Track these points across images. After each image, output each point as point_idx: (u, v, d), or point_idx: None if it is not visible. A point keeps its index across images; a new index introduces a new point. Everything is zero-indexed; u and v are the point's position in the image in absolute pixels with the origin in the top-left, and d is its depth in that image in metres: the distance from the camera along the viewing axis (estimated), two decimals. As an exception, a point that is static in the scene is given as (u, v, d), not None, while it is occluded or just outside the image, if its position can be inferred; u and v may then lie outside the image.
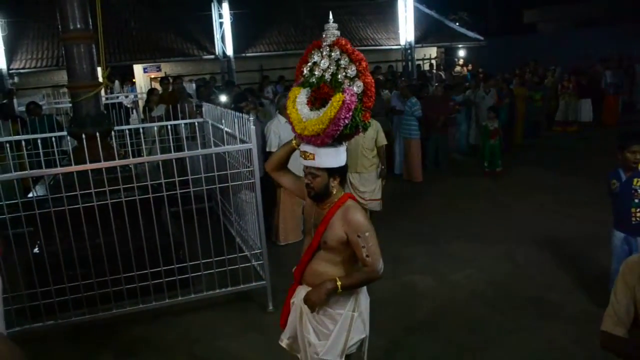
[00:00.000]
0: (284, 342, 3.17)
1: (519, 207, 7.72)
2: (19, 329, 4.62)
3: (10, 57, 15.55)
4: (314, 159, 2.80)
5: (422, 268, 5.86)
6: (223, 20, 16.91)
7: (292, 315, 3.10)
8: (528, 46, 22.51)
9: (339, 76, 2.72)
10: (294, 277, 3.08)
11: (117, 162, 4.84)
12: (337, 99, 2.65)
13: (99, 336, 4.75)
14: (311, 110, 2.80)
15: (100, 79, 5.65)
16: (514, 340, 4.41)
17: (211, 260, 5.04)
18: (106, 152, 4.94)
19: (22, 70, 15.80)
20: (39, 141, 5.32)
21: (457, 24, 22.59)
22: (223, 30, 16.97)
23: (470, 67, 20.51)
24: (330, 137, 2.70)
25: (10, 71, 15.49)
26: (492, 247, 6.29)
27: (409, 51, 18.93)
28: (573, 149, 11.64)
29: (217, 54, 17.17)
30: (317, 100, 2.81)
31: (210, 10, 16.97)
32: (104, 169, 4.74)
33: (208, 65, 17.48)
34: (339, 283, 2.79)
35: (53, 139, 5.73)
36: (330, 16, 2.86)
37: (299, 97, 2.86)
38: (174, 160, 4.92)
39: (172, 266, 4.96)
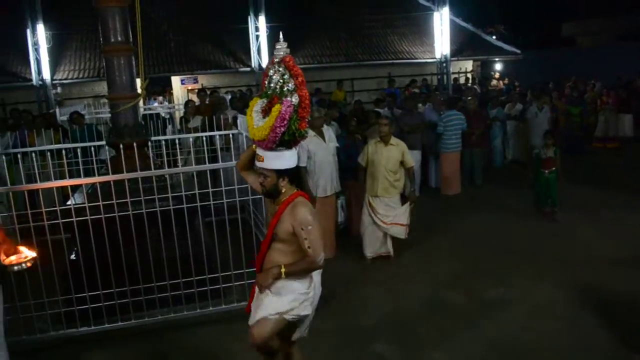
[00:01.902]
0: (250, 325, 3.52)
1: (554, 226, 7.53)
2: (54, 334, 4.73)
3: (54, 68, 16.03)
4: (263, 161, 3.20)
5: (455, 284, 5.77)
6: (259, 34, 17.13)
7: (255, 301, 3.46)
8: (566, 60, 22.14)
9: (285, 89, 3.10)
10: (256, 266, 3.44)
11: (153, 172, 4.93)
12: (275, 109, 3.05)
13: (130, 344, 4.81)
14: (263, 118, 3.16)
15: (139, 90, 5.78)
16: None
17: (243, 271, 5.06)
18: (143, 162, 5.03)
19: (65, 81, 16.26)
20: (79, 150, 5.45)
21: (494, 37, 22.32)
22: (259, 43, 17.18)
23: (506, 80, 20.26)
24: (272, 142, 3.10)
25: (54, 82, 15.96)
26: (527, 266, 6.15)
27: (444, 64, 18.80)
28: (612, 165, 11.33)
29: (253, 66, 17.37)
30: (269, 110, 3.15)
31: (247, 24, 17.21)
32: (140, 179, 4.82)
33: (244, 78, 17.70)
34: (283, 269, 3.21)
35: (92, 148, 5.86)
36: (281, 36, 3.26)
37: (255, 107, 3.24)
38: (208, 171, 4.98)
39: (204, 276, 5.01)
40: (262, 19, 16.99)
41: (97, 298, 4.80)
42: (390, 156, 6.23)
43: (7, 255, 3.72)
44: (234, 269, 5.02)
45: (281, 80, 3.12)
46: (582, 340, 4.58)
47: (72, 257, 5.23)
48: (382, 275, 6.06)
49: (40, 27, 15.36)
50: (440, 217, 8.22)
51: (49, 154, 6.56)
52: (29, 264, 3.72)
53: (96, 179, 4.93)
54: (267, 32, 17.01)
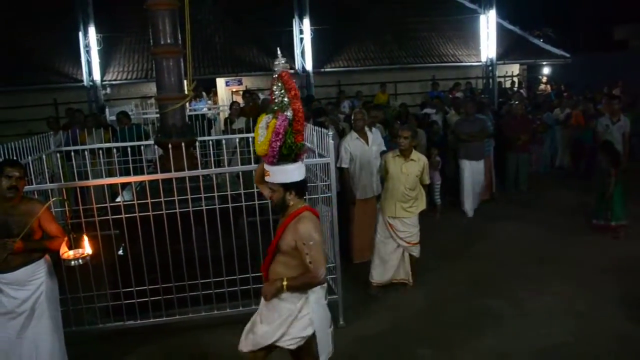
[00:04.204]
0: None
1: (599, 235, 7.26)
2: (102, 327, 4.87)
3: (104, 69, 16.49)
4: (270, 175, 3.26)
5: (498, 292, 5.67)
6: (303, 36, 17.21)
7: (250, 325, 3.53)
8: (618, 64, 21.44)
9: (284, 103, 3.18)
10: (263, 273, 3.46)
11: (200, 172, 5.02)
12: (272, 124, 3.14)
13: (173, 338, 4.91)
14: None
15: (186, 92, 5.89)
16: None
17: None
18: (189, 161, 5.13)
19: (114, 82, 16.71)
20: (128, 149, 5.59)
21: (541, 40, 21.81)
22: (303, 46, 17.27)
23: (554, 85, 19.77)
24: (272, 157, 3.17)
25: (104, 83, 16.42)
26: (573, 275, 6.00)
27: (490, 68, 18.49)
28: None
29: (296, 69, 17.47)
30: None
31: (292, 26, 17.33)
32: (187, 178, 4.92)
33: (287, 80, 17.82)
34: (284, 283, 3.22)
35: (142, 147, 6.01)
36: (279, 51, 3.35)
37: (262, 123, 3.28)
38: (253, 171, 5.02)
39: (248, 275, 5.06)
40: (306, 22, 17.06)
41: (144, 293, 4.93)
42: (410, 172, 5.57)
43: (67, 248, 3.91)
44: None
45: (280, 96, 3.21)
46: (625, 351, 4.44)
47: (120, 252, 5.38)
48: (422, 279, 5.99)
49: (92, 30, 15.81)
50: (479, 222, 8.12)
51: (99, 152, 6.75)
52: (84, 259, 3.90)
53: (145, 177, 5.05)
54: (311, 35, 17.07)
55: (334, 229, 5.09)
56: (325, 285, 3.46)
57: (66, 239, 3.98)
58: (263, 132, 3.22)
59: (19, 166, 3.89)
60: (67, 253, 3.89)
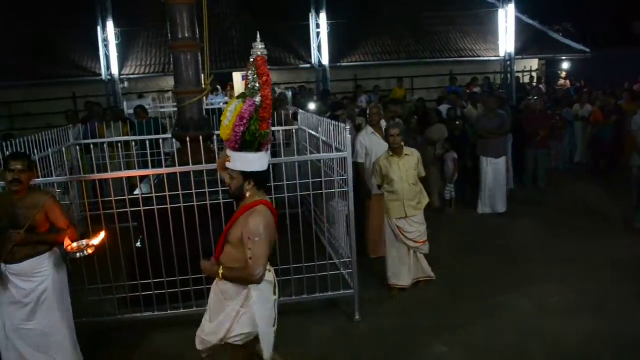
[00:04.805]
0: None
1: (624, 234, 7.16)
2: (120, 317, 4.92)
3: (122, 63, 16.61)
4: (230, 162, 3.19)
5: (515, 289, 5.62)
6: (320, 30, 17.18)
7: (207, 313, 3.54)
8: (639, 59, 21.12)
9: (255, 88, 3.14)
10: (215, 253, 3.40)
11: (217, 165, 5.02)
12: (238, 108, 3.08)
13: (190, 330, 4.91)
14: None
15: (204, 86, 5.91)
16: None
17: (301, 265, 5.10)
18: (207, 155, 5.15)
19: (131, 76, 16.83)
20: (147, 142, 5.63)
21: (561, 34, 21.51)
22: (320, 40, 17.24)
23: (574, 80, 19.53)
24: (234, 142, 3.11)
25: (122, 77, 16.54)
26: (593, 274, 5.93)
27: (508, 63, 18.31)
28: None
29: (313, 63, 17.45)
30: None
31: (308, 21, 17.30)
32: (205, 171, 4.94)
33: (303, 74, 17.80)
34: (220, 271, 3.19)
35: (161, 141, 6.05)
36: (258, 36, 3.29)
37: (230, 107, 3.19)
38: (270, 165, 5.03)
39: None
40: (323, 16, 17.01)
41: (161, 285, 4.96)
42: (408, 168, 5.58)
43: (72, 241, 3.84)
44: (293, 263, 5.06)
45: (253, 81, 3.16)
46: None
47: (138, 244, 5.42)
48: (438, 276, 5.96)
49: (110, 25, 15.92)
50: (491, 219, 8.08)
51: (118, 145, 6.82)
52: (89, 251, 3.78)
53: (164, 170, 5.08)
54: (327, 29, 17.03)
55: (351, 224, 5.07)
56: (274, 282, 3.39)
57: (70, 231, 3.92)
58: (230, 115, 3.15)
59: (23, 159, 3.85)
60: (70, 246, 3.80)
